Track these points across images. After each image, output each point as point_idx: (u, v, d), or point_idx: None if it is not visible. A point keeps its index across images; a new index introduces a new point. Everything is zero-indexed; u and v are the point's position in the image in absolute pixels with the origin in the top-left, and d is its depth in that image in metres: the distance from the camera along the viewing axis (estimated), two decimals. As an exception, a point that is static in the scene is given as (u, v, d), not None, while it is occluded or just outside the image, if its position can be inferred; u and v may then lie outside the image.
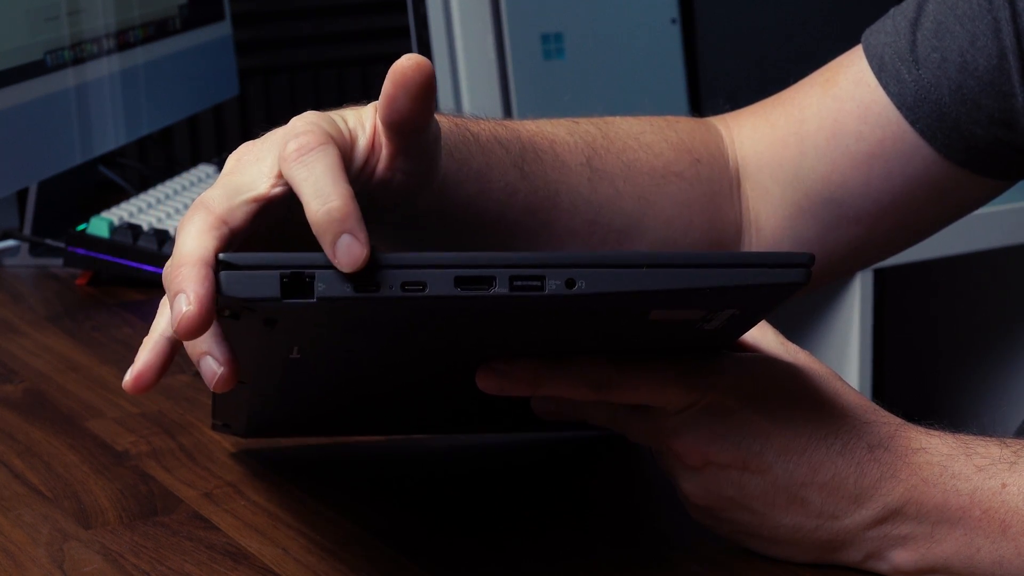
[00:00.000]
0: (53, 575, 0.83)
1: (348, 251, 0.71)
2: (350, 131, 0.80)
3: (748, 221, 1.06)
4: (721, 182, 1.04)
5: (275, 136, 0.79)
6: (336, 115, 0.80)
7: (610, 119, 1.02)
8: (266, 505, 0.90)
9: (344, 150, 0.78)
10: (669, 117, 1.06)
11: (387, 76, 0.78)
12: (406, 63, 0.77)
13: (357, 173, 0.80)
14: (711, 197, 1.03)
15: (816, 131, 1.03)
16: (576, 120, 1.00)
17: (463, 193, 0.89)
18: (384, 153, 0.81)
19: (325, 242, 0.71)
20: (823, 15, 2.01)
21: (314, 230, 0.72)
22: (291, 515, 0.89)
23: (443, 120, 0.89)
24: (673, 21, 1.95)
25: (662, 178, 1.01)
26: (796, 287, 0.73)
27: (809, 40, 2.00)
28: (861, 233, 1.04)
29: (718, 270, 0.72)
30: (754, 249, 1.05)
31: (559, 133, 0.98)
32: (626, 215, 0.99)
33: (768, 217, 1.05)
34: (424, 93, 0.78)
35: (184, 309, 0.71)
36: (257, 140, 0.80)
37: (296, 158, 0.74)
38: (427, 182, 0.84)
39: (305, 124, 0.76)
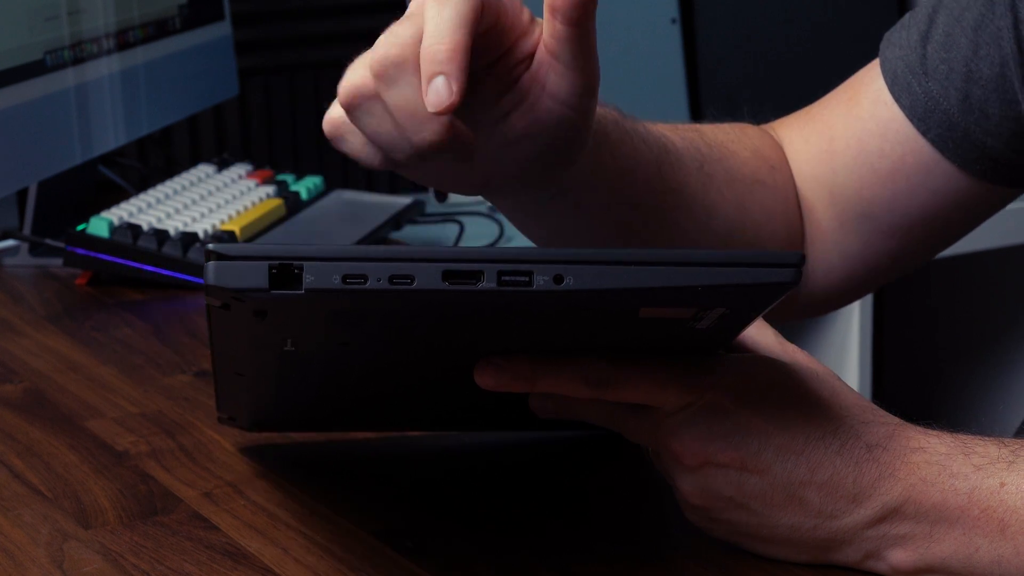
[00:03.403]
0: (53, 575, 0.83)
1: (436, 91, 0.74)
2: (533, 22, 0.82)
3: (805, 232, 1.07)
4: (791, 190, 1.06)
5: None
6: (522, 3, 0.82)
7: (695, 126, 1.04)
8: (266, 505, 0.90)
9: (508, 17, 0.81)
10: (736, 124, 1.07)
11: None
12: None
13: (517, 39, 0.82)
14: (786, 204, 1.06)
15: (844, 150, 1.04)
16: (675, 125, 1.02)
17: (608, 179, 0.91)
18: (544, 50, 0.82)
19: (423, 79, 0.75)
20: (823, 15, 2.01)
21: (420, 63, 0.76)
22: (291, 515, 0.89)
23: (609, 113, 0.91)
24: (673, 21, 1.95)
25: (751, 185, 1.03)
26: (786, 287, 0.73)
27: (809, 40, 2.00)
28: (896, 246, 1.05)
29: (706, 269, 0.72)
30: (809, 261, 1.06)
31: (673, 137, 1.00)
32: (729, 221, 1.01)
33: (814, 230, 1.06)
34: None
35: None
36: None
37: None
38: (577, 127, 0.84)
39: None
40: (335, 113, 0.82)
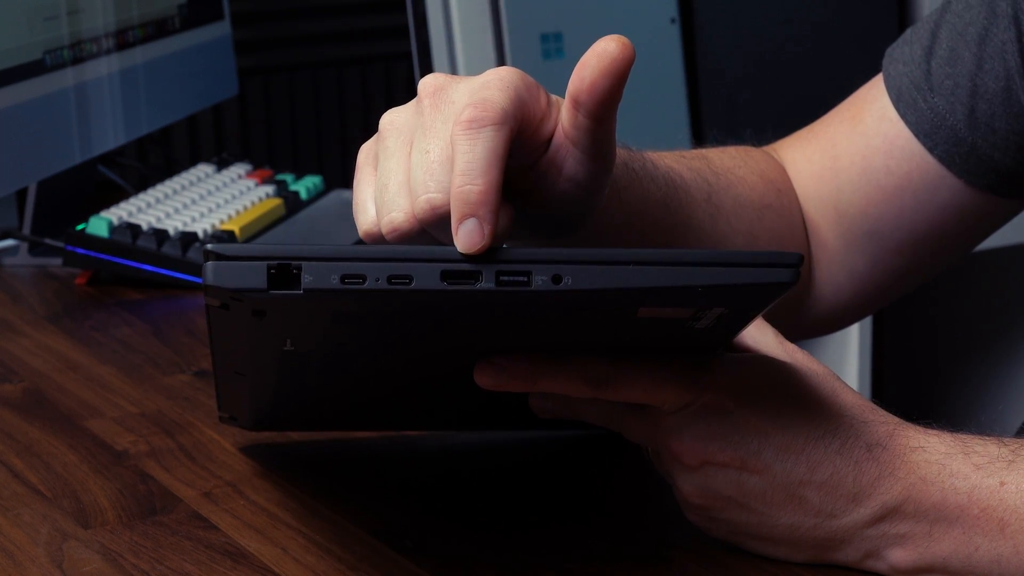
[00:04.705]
0: (52, 575, 0.83)
1: (468, 235, 0.72)
2: (551, 104, 0.79)
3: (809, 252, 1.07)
4: (797, 212, 1.06)
5: (465, 89, 0.77)
6: (539, 86, 0.79)
7: (702, 153, 1.03)
8: (265, 505, 0.90)
9: (532, 121, 0.78)
10: (740, 148, 1.07)
11: (589, 61, 0.77)
12: (613, 49, 0.76)
13: (539, 146, 0.79)
14: (794, 227, 1.05)
15: (849, 167, 1.04)
16: (681, 153, 1.01)
17: (615, 224, 0.90)
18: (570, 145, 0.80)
19: (454, 218, 0.73)
20: (823, 15, 2.01)
21: (451, 202, 0.73)
22: (290, 515, 0.89)
23: (618, 155, 0.87)
24: (673, 21, 1.95)
25: (760, 211, 1.03)
26: (784, 287, 0.73)
27: (809, 40, 2.00)
28: (904, 263, 1.05)
29: (705, 269, 0.72)
30: (816, 280, 1.06)
31: (680, 169, 0.98)
32: (738, 247, 1.00)
33: (820, 250, 1.06)
34: (624, 75, 0.77)
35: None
36: (450, 82, 0.78)
37: (464, 129, 0.74)
38: (598, 190, 0.82)
39: (492, 94, 0.75)
40: (374, 229, 0.77)
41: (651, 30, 1.94)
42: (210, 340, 0.82)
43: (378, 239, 0.77)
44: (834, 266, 1.06)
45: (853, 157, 1.04)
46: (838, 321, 1.11)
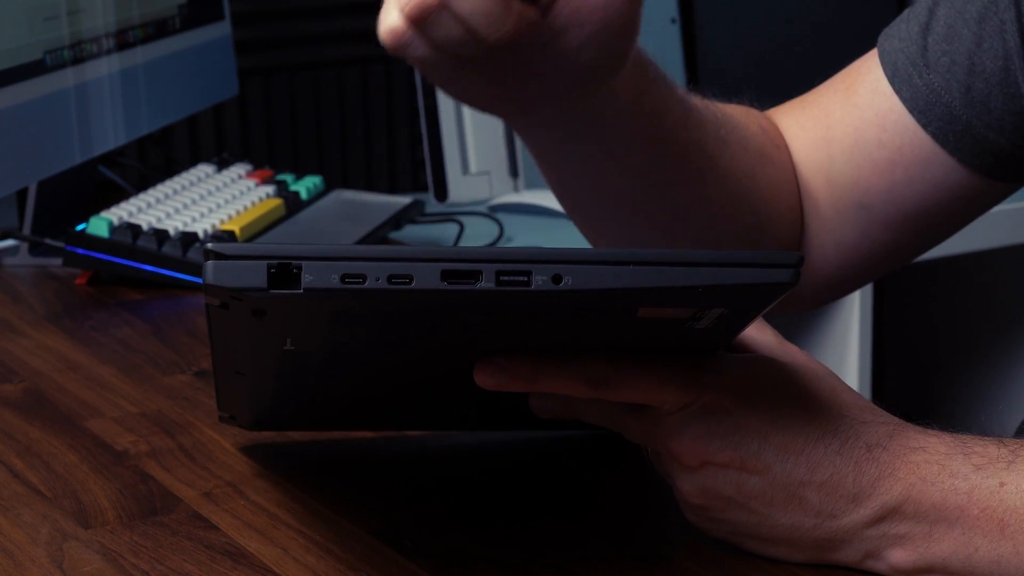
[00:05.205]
0: (53, 575, 0.83)
1: None
2: None
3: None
4: (792, 172, 1.06)
5: None
6: None
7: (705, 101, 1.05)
8: (265, 505, 0.90)
9: None
10: (741, 106, 1.07)
11: None
12: None
13: None
14: (789, 185, 1.06)
15: (841, 137, 1.04)
16: (688, 94, 1.02)
17: (638, 126, 0.92)
18: None
19: None
20: (823, 15, 2.01)
21: None
22: (291, 515, 0.89)
23: (645, 55, 0.92)
24: (673, 21, 1.95)
25: (760, 158, 1.03)
26: (784, 288, 0.73)
27: (809, 40, 2.00)
28: (892, 238, 1.05)
29: (705, 269, 0.72)
30: (804, 248, 1.07)
31: (695, 99, 1.00)
32: (742, 187, 1.02)
33: (811, 217, 1.06)
34: None
35: None
36: None
37: None
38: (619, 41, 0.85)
39: None
40: (396, 23, 0.79)
41: (651, 30, 1.93)
42: (210, 340, 0.82)
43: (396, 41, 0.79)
44: (823, 235, 1.06)
45: (846, 128, 1.04)
46: (820, 295, 1.10)
